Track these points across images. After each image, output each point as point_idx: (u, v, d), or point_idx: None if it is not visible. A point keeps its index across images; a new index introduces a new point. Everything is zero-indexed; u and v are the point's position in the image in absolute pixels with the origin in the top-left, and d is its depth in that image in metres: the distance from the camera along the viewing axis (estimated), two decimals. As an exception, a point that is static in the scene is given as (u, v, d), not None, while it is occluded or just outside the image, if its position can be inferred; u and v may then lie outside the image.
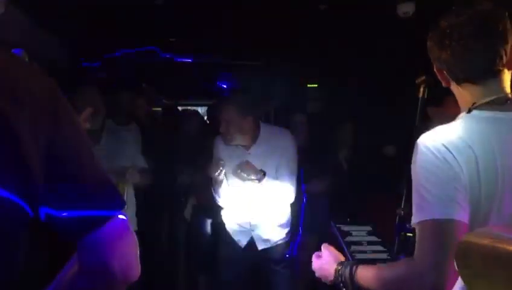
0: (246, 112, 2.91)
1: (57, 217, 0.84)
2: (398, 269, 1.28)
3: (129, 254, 0.88)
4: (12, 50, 1.68)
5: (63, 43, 4.51)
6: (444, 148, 1.21)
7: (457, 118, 1.33)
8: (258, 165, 2.95)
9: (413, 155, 1.26)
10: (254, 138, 3.01)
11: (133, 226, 3.09)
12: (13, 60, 0.87)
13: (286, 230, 3.17)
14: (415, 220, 1.21)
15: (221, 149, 3.08)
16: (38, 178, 0.80)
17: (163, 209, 4.03)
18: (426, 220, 1.18)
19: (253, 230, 3.09)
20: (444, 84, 1.39)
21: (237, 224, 3.13)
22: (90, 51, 5.16)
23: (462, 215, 1.16)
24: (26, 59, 1.64)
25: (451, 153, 1.20)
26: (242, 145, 3.03)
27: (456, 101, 2.88)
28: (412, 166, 1.26)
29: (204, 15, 4.23)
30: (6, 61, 0.85)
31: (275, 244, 3.12)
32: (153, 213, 3.60)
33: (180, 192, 4.06)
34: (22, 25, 3.52)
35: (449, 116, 2.80)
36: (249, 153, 3.01)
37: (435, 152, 1.21)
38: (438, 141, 1.23)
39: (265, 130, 3.03)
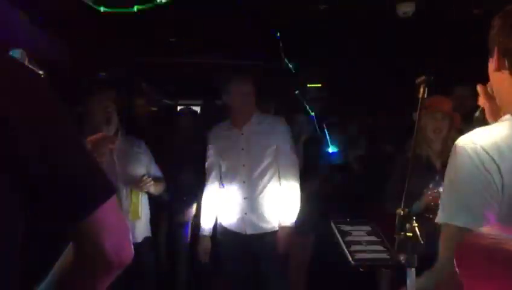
0: (254, 86, 3.10)
1: (50, 206, 0.87)
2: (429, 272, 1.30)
3: (121, 237, 0.92)
4: (12, 50, 1.69)
5: (63, 43, 4.51)
6: (482, 152, 1.16)
7: (502, 118, 1.24)
8: (250, 145, 3.06)
9: (450, 156, 1.23)
10: (247, 119, 3.11)
11: (146, 233, 3.08)
12: (9, 60, 0.91)
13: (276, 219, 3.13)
14: (437, 219, 1.23)
15: (214, 135, 3.23)
16: (33, 175, 0.84)
17: (162, 210, 4.02)
18: (447, 223, 1.20)
19: (245, 213, 3.09)
20: (493, 70, 1.28)
21: (231, 208, 3.14)
22: (91, 52, 5.17)
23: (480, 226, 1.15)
24: (26, 59, 1.65)
25: (491, 157, 1.15)
26: (235, 127, 3.14)
27: (441, 100, 2.83)
28: (448, 167, 1.23)
29: (204, 15, 4.23)
30: (3, 61, 0.88)
31: (263, 232, 3.09)
32: (153, 214, 3.59)
33: (180, 192, 4.05)
34: (23, 25, 3.53)
35: (435, 116, 2.79)
36: (242, 134, 3.11)
37: (472, 156, 1.16)
38: (478, 143, 1.17)
39: (259, 115, 3.18)
